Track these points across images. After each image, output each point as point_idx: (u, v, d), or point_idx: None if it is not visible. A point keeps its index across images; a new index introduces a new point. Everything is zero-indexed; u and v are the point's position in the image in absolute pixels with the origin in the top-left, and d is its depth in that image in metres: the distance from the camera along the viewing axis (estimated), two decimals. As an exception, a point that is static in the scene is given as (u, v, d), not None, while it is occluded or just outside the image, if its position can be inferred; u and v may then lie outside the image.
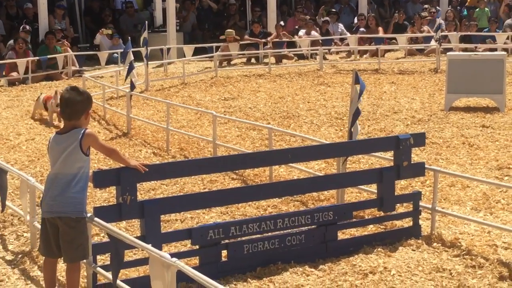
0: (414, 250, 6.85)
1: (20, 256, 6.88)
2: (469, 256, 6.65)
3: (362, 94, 7.60)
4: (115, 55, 21.05)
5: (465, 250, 6.79)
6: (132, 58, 13.55)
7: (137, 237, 5.70)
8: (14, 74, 18.60)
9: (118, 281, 5.59)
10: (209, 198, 6.74)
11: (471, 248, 6.85)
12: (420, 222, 7.27)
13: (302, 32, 23.83)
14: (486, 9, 25.65)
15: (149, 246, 5.08)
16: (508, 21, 24.04)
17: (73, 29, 23.93)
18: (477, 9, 25.82)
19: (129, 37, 16.77)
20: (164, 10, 23.95)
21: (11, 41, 20.01)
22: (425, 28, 23.98)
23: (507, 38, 22.43)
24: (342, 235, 7.00)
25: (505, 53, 16.31)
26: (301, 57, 22.80)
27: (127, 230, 7.23)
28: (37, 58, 19.31)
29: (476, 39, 22.89)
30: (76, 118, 5.64)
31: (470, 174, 9.05)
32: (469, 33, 23.51)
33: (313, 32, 23.78)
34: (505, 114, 13.56)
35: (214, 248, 6.28)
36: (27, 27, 20.73)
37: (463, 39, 22.69)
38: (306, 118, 13.49)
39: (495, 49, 20.04)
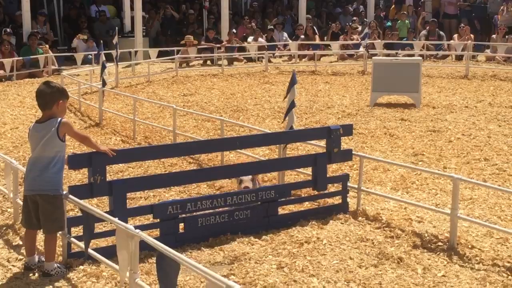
0: (342, 223, 6.89)
1: (4, 228, 6.77)
2: (389, 228, 6.71)
3: (294, 85, 7.60)
4: (90, 56, 20.86)
5: (385, 223, 6.85)
6: (104, 59, 13.40)
7: (106, 212, 5.65)
8: (1, 72, 18.29)
9: (89, 250, 5.55)
10: (169, 179, 6.71)
11: (390, 221, 6.91)
12: (348, 199, 7.31)
13: (250, 38, 23.86)
14: (407, 21, 25.84)
15: (115, 219, 5.03)
16: (423, 32, 24.28)
17: (53, 33, 23.61)
18: (399, 21, 26.02)
19: (102, 41, 16.53)
20: (132, 18, 23.77)
21: (-3, 43, 19.68)
22: (355, 37, 24.11)
23: (423, 46, 22.67)
24: (282, 210, 7.00)
25: (421, 58, 16.48)
26: (249, 60, 22.77)
27: (98, 206, 7.16)
28: (22, 58, 19.08)
29: (397, 46, 23.09)
30: (48, 108, 5.63)
31: (390, 160, 9.12)
32: (391, 41, 23.71)
33: (260, 39, 23.81)
34: (420, 109, 13.70)
35: (172, 222, 6.24)
36: (8, 30, 20.39)
37: (386, 46, 22.86)
38: (253, 112, 13.48)
39: (413, 55, 20.21)
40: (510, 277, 5.57)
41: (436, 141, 10.70)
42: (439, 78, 18.69)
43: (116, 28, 17.59)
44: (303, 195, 7.57)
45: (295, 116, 7.79)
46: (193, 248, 6.20)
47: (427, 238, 6.43)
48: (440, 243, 6.29)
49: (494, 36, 23.34)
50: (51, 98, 5.64)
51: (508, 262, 5.89)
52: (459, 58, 22.23)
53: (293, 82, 7.61)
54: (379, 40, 23.28)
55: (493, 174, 8.82)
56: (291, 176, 8.43)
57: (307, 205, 7.37)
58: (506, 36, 22.56)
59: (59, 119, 5.59)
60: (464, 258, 6.00)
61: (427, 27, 24.35)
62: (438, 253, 6.10)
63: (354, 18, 27.13)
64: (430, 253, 6.11)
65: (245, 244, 6.30)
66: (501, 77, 18.70)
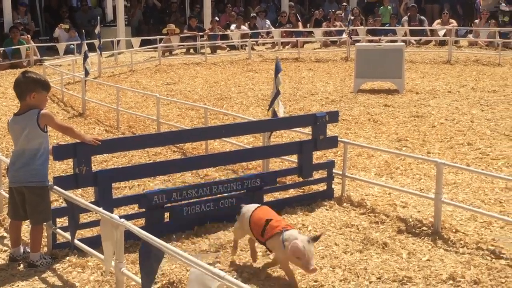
0: (327, 210, 6.92)
1: (-12, 220, 6.74)
2: (373, 214, 6.75)
3: (279, 73, 7.64)
4: (72, 46, 20.73)
5: (370, 209, 6.88)
6: (86, 48, 13.35)
7: (91, 202, 5.63)
8: (-18, 63, 18.20)
9: (75, 240, 5.54)
10: (154, 168, 6.71)
11: (375, 207, 6.95)
12: (333, 186, 7.34)
13: (233, 26, 23.81)
14: (389, 7, 25.87)
15: (100, 209, 5.01)
16: (405, 18, 24.32)
17: (34, 24, 23.48)
18: (382, 7, 26.05)
19: (84, 31, 16.45)
20: (114, 8, 23.66)
21: (-22, 34, 19.58)
22: (338, 23, 24.13)
23: (405, 32, 22.72)
24: (267, 198, 7.02)
25: (404, 44, 16.52)
26: (232, 48, 22.76)
27: (83, 196, 7.15)
28: (3, 49, 18.97)
29: (380, 32, 23.14)
30: (23, 98, 5.56)
31: (375, 145, 9.15)
32: (374, 27, 23.75)
33: (242, 26, 23.77)
34: (404, 95, 13.75)
35: (158, 211, 6.24)
36: None
37: (369, 32, 22.89)
38: (236, 100, 13.48)
39: (396, 41, 20.26)
40: (494, 260, 5.62)
41: (419, 126, 10.75)
42: (422, 64, 18.75)
43: (98, 17, 17.57)
44: (288, 183, 7.58)
45: (282, 104, 7.80)
46: (178, 237, 6.21)
47: (412, 223, 6.47)
48: (424, 228, 6.33)
49: (476, 21, 23.42)
50: (25, 88, 5.54)
51: (492, 245, 5.95)
52: (441, 43, 22.29)
53: (278, 70, 7.62)
54: (362, 27, 23.31)
55: (476, 158, 8.88)
56: (275, 164, 8.45)
57: (292, 192, 7.39)
58: (488, 21, 22.65)
59: (39, 110, 5.52)
60: (449, 242, 6.04)
61: (408, 13, 24.39)
62: (423, 237, 6.14)
63: (344, 3, 27.06)
64: (415, 237, 6.15)
65: (231, 232, 6.30)
66: (483, 62, 18.79)
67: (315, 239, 5.00)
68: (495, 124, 10.80)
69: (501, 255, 5.74)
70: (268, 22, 25.13)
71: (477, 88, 14.41)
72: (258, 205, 5.66)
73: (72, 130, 5.81)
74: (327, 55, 20.99)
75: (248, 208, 5.49)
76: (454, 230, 6.29)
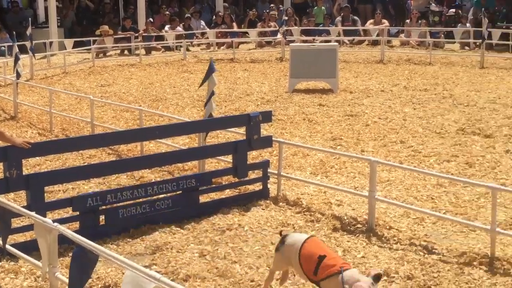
0: (263, 209, 6.95)
1: None
2: (309, 213, 6.81)
3: (212, 73, 7.66)
4: (3, 48, 20.30)
5: (305, 208, 6.94)
6: (18, 50, 13.08)
7: (23, 207, 5.53)
8: None
9: (7, 245, 5.43)
10: (88, 170, 6.64)
11: (310, 205, 7.01)
12: (268, 185, 7.37)
13: (168, 27, 23.67)
14: (323, 7, 26.07)
15: (32, 213, 4.92)
16: (338, 18, 24.56)
17: (-37, 25, 22.92)
18: (315, 7, 26.23)
19: (15, 32, 16.11)
20: (46, 9, 23.25)
21: None
22: (272, 24, 24.22)
23: (339, 32, 22.95)
24: (203, 198, 7.01)
25: (337, 44, 16.68)
26: (167, 48, 22.62)
27: (15, 200, 7.00)
28: None
29: (314, 32, 23.31)
30: None
31: (310, 145, 9.23)
32: (308, 27, 23.91)
33: (177, 27, 23.66)
34: (338, 94, 13.89)
35: (92, 214, 6.17)
36: None
37: (303, 33, 23.05)
38: (172, 101, 13.41)
39: (330, 41, 20.44)
40: (426, 255, 5.73)
41: (353, 125, 10.88)
42: (356, 63, 18.99)
43: (30, 18, 17.20)
44: (224, 183, 7.59)
45: (214, 104, 7.81)
46: (114, 240, 6.15)
47: (347, 220, 6.55)
48: (359, 225, 6.42)
49: (408, 21, 23.83)
50: None
51: (425, 241, 6.07)
52: (374, 43, 22.60)
53: (211, 70, 7.64)
54: (296, 27, 23.47)
55: (409, 156, 9.03)
56: (211, 164, 8.44)
57: (228, 193, 7.39)
58: (419, 21, 23.07)
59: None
60: (383, 238, 6.13)
61: (342, 13, 24.64)
62: (358, 235, 6.22)
63: (272, 5, 27.21)
64: (350, 235, 6.23)
65: (167, 234, 6.28)
66: (415, 61, 19.13)
67: (377, 278, 4.25)
68: (426, 122, 11.01)
69: (433, 250, 5.86)
70: (202, 22, 25.05)
71: (409, 87, 14.66)
72: (305, 235, 4.83)
73: (2, 133, 5.73)
74: (262, 56, 21.07)
75: (295, 240, 4.71)
76: (388, 227, 6.40)
